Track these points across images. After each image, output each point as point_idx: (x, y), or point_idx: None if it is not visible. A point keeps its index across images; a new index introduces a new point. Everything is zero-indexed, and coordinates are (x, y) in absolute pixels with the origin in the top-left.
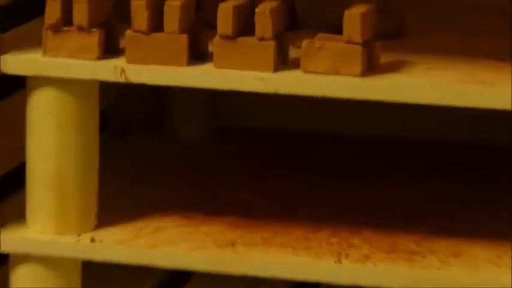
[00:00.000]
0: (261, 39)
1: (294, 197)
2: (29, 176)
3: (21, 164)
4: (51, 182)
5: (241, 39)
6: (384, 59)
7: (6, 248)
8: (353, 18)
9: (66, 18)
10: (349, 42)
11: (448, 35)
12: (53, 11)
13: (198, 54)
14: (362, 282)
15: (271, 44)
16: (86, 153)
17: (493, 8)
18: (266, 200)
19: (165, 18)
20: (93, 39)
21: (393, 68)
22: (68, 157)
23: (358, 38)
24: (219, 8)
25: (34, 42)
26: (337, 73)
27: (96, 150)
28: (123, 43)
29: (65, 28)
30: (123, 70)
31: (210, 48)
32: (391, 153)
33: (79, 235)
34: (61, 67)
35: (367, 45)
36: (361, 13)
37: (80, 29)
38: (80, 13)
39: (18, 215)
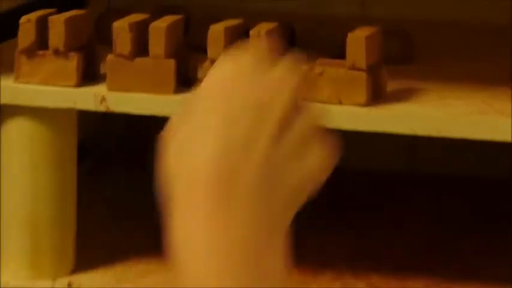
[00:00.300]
0: None
1: (293, 237)
2: (1, 215)
3: None
4: (25, 222)
5: None
6: (392, 86)
7: None
8: (357, 41)
9: (42, 41)
10: (352, 68)
11: (461, 59)
12: (26, 34)
13: (186, 81)
14: None
15: None
16: (62, 190)
17: (504, 30)
18: None
19: (150, 41)
20: (71, 64)
21: (401, 96)
22: (44, 195)
23: (362, 63)
24: (209, 30)
25: (6, 65)
26: (340, 102)
27: (73, 186)
28: (104, 68)
29: (40, 52)
30: (103, 98)
31: (200, 74)
32: (398, 189)
33: (55, 280)
34: (36, 95)
35: (373, 71)
36: (366, 36)
37: (57, 52)
38: (57, 35)
39: None
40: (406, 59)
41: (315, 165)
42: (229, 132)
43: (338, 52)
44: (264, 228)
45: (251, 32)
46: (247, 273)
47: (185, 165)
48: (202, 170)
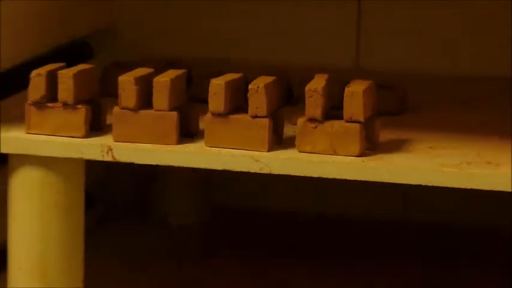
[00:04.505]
0: (255, 116)
1: (289, 285)
2: (11, 262)
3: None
4: (33, 270)
5: (233, 116)
6: (384, 136)
7: None
8: (354, 96)
9: (51, 94)
10: (349, 121)
11: (452, 109)
12: (36, 87)
13: (188, 132)
14: None
15: (265, 122)
16: (70, 239)
17: (496, 81)
18: None
19: (154, 94)
20: (79, 116)
21: (393, 147)
22: (52, 243)
23: (360, 116)
24: (210, 84)
25: (16, 117)
26: (335, 153)
27: (81, 235)
28: (110, 120)
29: (50, 104)
30: (110, 148)
31: (201, 126)
32: (393, 237)
33: None
34: (45, 145)
35: (367, 123)
36: (363, 90)
37: (65, 105)
38: (65, 89)
39: None
40: (399, 110)
41: None
42: None
43: (334, 102)
44: None
45: (250, 86)
46: None
47: None
48: None
